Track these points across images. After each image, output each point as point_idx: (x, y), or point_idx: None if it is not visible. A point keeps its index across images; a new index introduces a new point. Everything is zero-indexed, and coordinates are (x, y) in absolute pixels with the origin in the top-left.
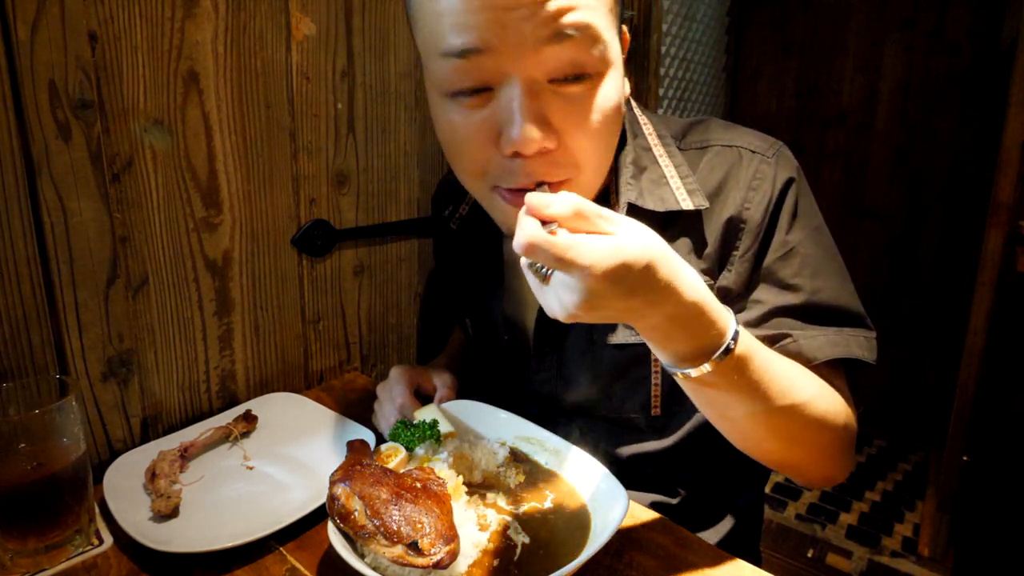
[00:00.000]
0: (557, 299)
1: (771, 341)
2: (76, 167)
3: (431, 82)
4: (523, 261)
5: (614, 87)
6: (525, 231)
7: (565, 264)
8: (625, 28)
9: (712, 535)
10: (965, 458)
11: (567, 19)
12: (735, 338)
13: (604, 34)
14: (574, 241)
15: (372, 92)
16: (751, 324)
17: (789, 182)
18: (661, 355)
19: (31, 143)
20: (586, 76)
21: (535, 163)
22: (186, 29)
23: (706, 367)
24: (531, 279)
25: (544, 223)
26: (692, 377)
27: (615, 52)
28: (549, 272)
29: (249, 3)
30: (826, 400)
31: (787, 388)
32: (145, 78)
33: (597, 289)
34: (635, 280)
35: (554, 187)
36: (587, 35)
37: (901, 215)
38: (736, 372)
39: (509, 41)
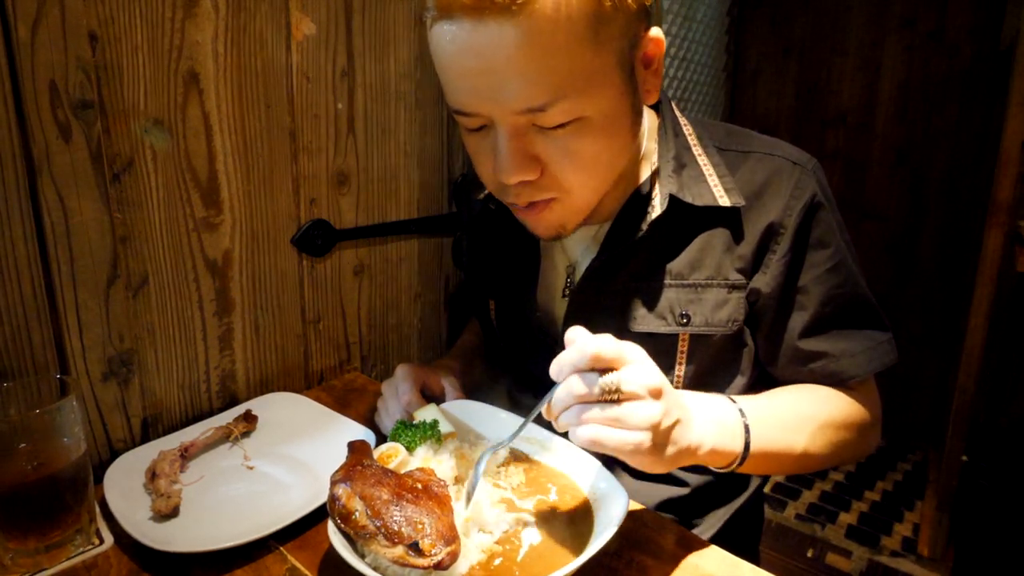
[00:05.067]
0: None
1: (809, 359)
2: (76, 167)
3: None
4: (596, 391)
5: (604, 123)
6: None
7: (623, 418)
8: (655, 33)
9: (712, 534)
10: (965, 458)
11: (534, 102)
12: (747, 430)
13: (583, 91)
14: (620, 410)
15: (372, 92)
16: (795, 333)
17: (827, 196)
18: (721, 463)
19: (31, 143)
20: (570, 122)
21: (520, 188)
22: (186, 29)
23: (744, 452)
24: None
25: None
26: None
27: (607, 94)
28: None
29: (249, 3)
30: (837, 407)
31: (806, 424)
32: (145, 78)
33: (657, 403)
34: (669, 392)
35: (541, 205)
36: (561, 103)
37: (901, 215)
38: (762, 452)
39: (487, 103)
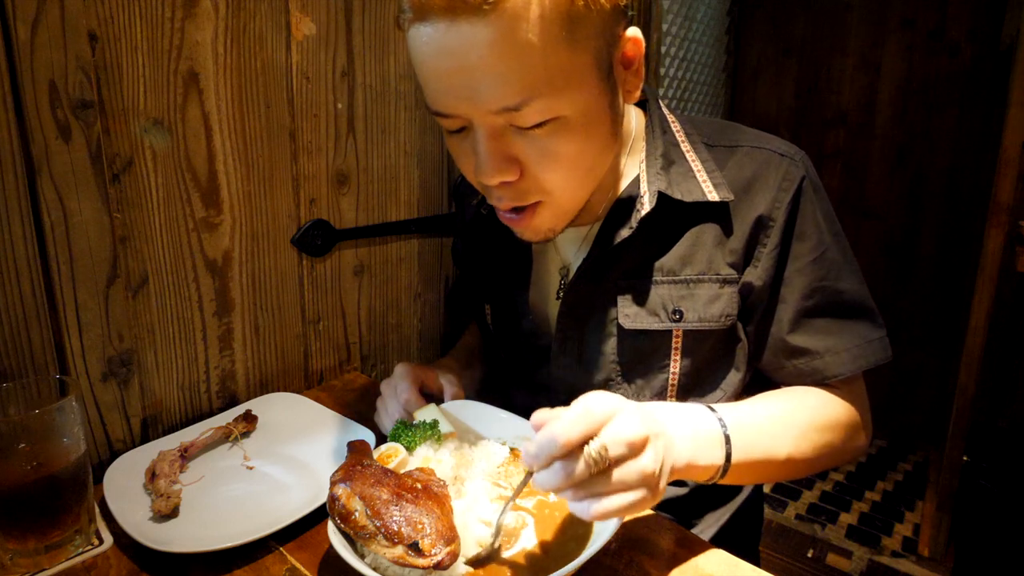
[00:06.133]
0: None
1: (792, 354)
2: (76, 167)
3: None
4: (583, 466)
5: (582, 123)
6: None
7: (630, 476)
8: (633, 33)
9: (712, 534)
10: (965, 458)
11: (509, 101)
12: (727, 439)
13: (559, 90)
14: (615, 474)
15: (372, 92)
16: (782, 326)
17: (815, 187)
18: (702, 476)
19: (31, 143)
20: (547, 122)
21: (502, 190)
22: (186, 29)
23: (725, 464)
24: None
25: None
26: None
27: (584, 94)
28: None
29: (249, 3)
30: (821, 409)
31: (789, 429)
32: (145, 78)
33: (637, 437)
34: (644, 413)
35: (528, 211)
36: (537, 102)
37: (901, 215)
38: (744, 462)
39: (464, 103)
